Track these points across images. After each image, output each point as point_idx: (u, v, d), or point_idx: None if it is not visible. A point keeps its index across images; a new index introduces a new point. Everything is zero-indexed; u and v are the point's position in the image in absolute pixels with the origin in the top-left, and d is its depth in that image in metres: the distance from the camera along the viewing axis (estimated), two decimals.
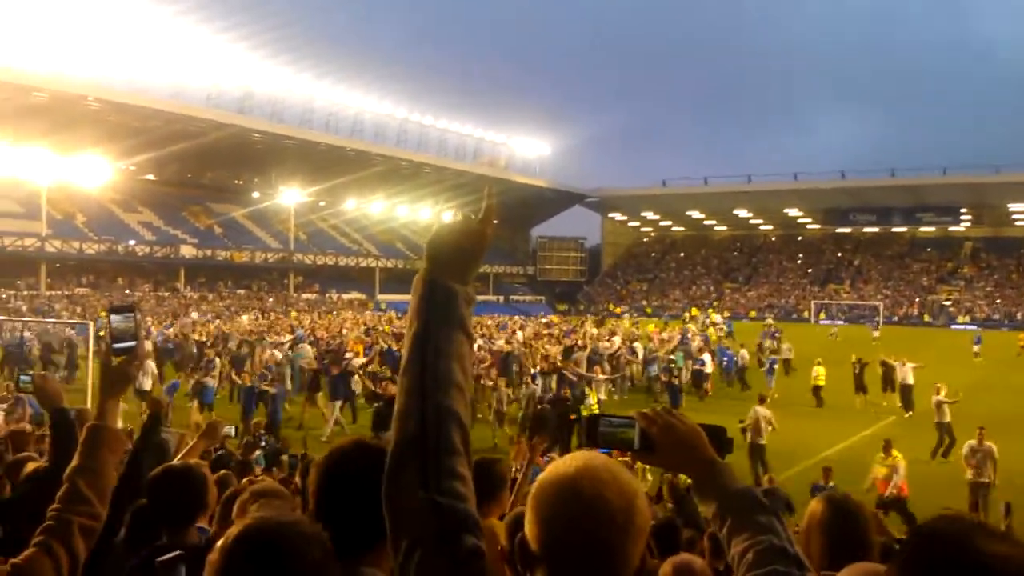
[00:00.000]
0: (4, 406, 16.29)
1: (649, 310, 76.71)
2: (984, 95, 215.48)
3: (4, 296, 50.35)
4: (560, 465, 1.58)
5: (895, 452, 14.83)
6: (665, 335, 38.57)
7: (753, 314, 76.78)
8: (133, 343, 2.69)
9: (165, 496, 3.55)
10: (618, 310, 78.67)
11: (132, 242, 62.58)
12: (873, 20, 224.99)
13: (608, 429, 1.85)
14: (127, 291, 58.69)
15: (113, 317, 2.70)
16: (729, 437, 1.93)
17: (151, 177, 70.32)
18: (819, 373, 27.70)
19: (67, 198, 59.70)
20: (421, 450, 1.57)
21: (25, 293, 52.76)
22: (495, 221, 1.82)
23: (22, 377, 3.95)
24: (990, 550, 1.29)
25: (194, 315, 47.79)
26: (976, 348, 42.73)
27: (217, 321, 44.28)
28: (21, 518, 2.67)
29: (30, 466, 4.93)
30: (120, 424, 2.78)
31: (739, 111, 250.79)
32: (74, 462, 2.61)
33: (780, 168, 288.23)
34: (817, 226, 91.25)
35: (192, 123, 58.71)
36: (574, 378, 23.78)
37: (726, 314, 69.34)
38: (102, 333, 33.44)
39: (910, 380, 25.59)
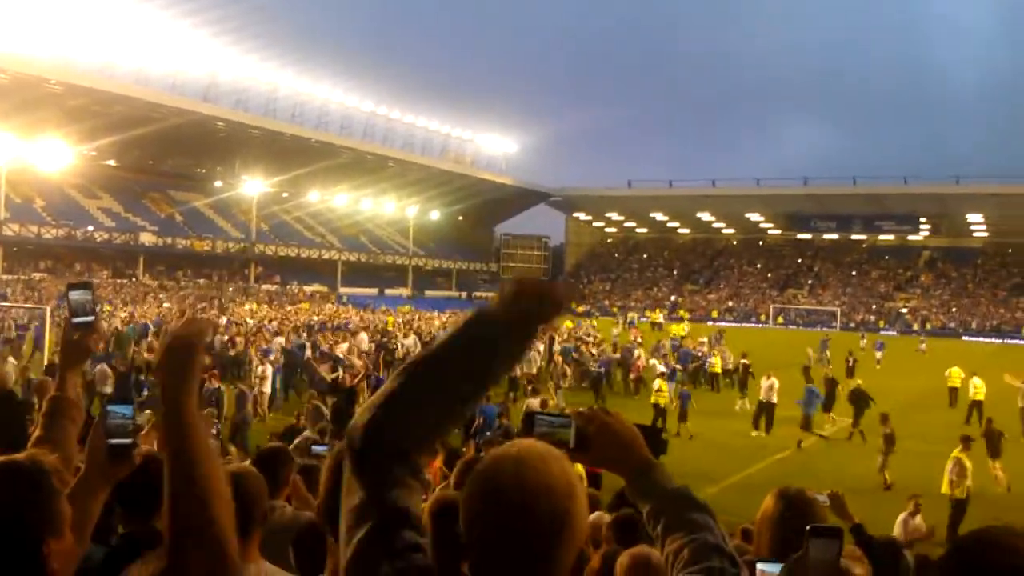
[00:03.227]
0: None
1: (615, 309, 76.86)
2: (941, 112, 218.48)
3: None
4: (496, 456, 1.55)
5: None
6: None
7: (716, 314, 77.56)
8: (91, 317, 2.72)
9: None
10: (580, 309, 78.89)
11: (91, 228, 61.72)
12: (837, 41, 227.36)
13: (545, 428, 1.81)
14: (85, 277, 57.86)
15: (71, 292, 2.73)
16: (664, 438, 1.95)
17: (112, 163, 69.34)
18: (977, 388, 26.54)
19: (26, 181, 58.77)
20: (371, 442, 1.56)
21: None
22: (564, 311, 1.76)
23: None
24: None
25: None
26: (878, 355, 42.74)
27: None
28: None
29: None
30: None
31: (706, 119, 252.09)
32: (36, 432, 2.63)
33: (744, 175, 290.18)
34: (778, 231, 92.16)
35: (155, 109, 57.99)
36: None
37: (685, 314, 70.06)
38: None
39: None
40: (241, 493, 3.36)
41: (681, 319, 65.01)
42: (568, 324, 43.81)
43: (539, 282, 1.65)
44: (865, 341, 46.01)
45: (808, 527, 1.86)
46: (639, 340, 38.11)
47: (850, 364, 33.81)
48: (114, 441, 2.44)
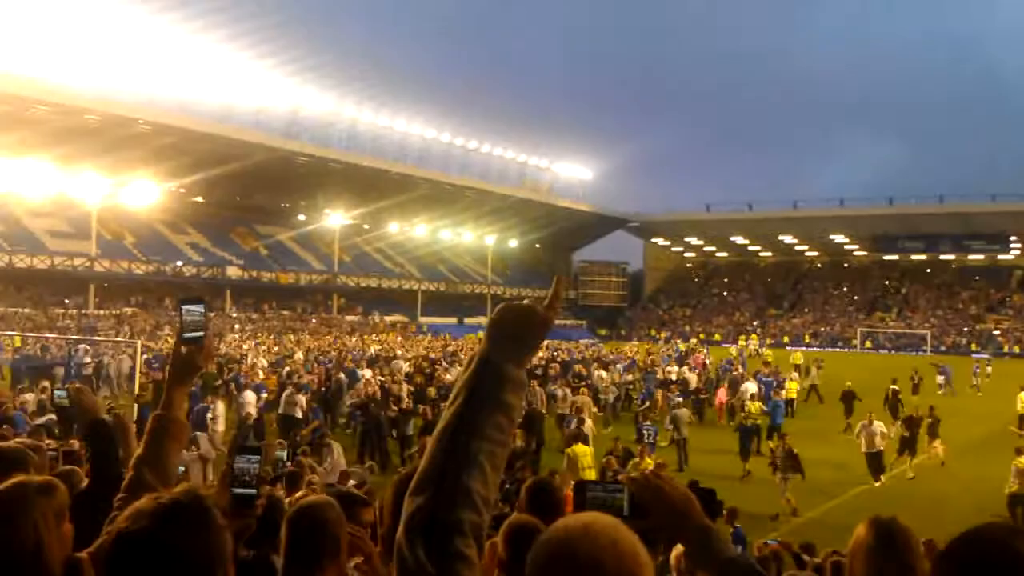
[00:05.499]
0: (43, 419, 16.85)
1: (702, 336, 75.84)
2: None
3: (53, 315, 51.18)
4: (561, 524, 1.54)
5: None
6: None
7: (787, 340, 75.95)
8: (201, 333, 2.76)
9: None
10: (661, 335, 78.20)
11: (179, 263, 63.43)
12: (911, 55, 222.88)
13: (597, 494, 1.81)
14: (173, 312, 59.34)
15: (184, 308, 2.78)
16: (720, 499, 1.90)
17: (199, 199, 71.34)
18: None
19: (116, 219, 60.73)
20: (429, 522, 1.56)
21: (73, 312, 53.61)
22: (560, 309, 1.82)
23: (56, 392, 4.00)
24: None
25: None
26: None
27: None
28: (85, 516, 2.69)
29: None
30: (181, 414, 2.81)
31: (782, 139, 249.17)
32: (139, 451, 2.70)
33: (823, 194, 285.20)
34: (864, 253, 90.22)
35: (240, 146, 59.48)
36: None
37: (769, 341, 68.94)
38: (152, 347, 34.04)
39: None
40: (313, 523, 3.36)
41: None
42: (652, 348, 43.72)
43: (520, 306, 1.76)
44: (980, 371, 43.07)
45: None
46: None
47: (915, 382, 34.37)
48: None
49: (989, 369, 43.18)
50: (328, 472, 14.74)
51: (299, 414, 22.49)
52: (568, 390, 27.38)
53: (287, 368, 30.25)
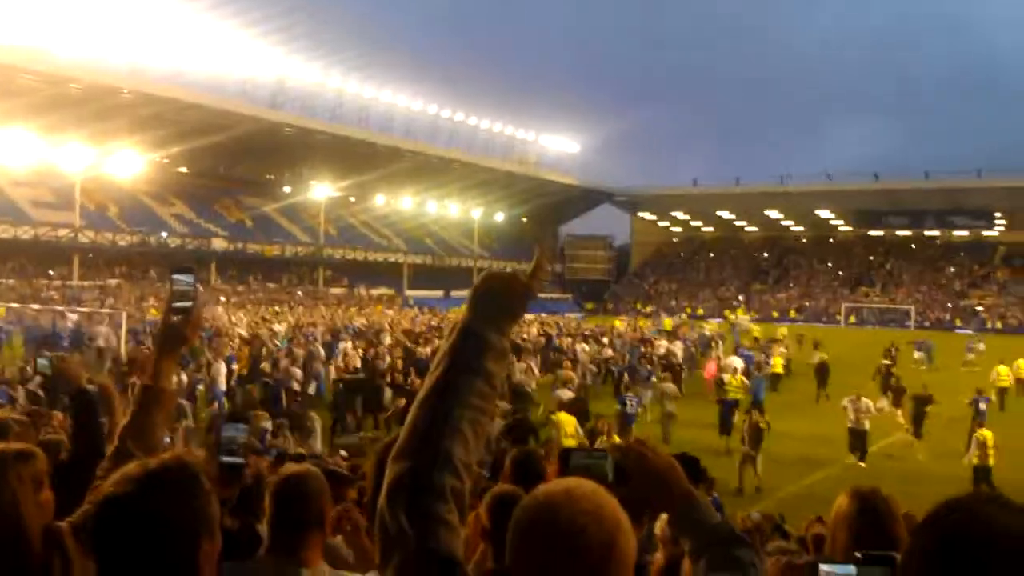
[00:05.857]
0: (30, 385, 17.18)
1: (688, 310, 75.96)
2: (1017, 102, 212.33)
3: (36, 286, 50.88)
4: (543, 489, 1.56)
5: None
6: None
7: (776, 314, 76.26)
8: (190, 303, 2.72)
9: None
10: (647, 309, 78.36)
11: (164, 234, 63.09)
12: (900, 31, 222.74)
13: (582, 462, 1.81)
14: (159, 283, 59.12)
15: (175, 277, 2.74)
16: (703, 467, 1.90)
17: (184, 170, 70.84)
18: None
19: (100, 189, 60.26)
20: (411, 488, 1.57)
21: (57, 283, 53.30)
22: (544, 279, 1.82)
23: (40, 361, 3.96)
24: (1002, 520, 1.30)
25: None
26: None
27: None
28: (66, 486, 2.67)
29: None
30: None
31: (771, 116, 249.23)
32: (125, 420, 2.65)
33: (811, 170, 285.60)
34: (849, 228, 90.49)
35: (225, 116, 59.08)
36: None
37: (753, 314, 69.22)
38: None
39: None
40: (297, 493, 3.38)
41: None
42: (642, 323, 43.97)
43: (503, 274, 1.77)
44: (974, 347, 42.85)
45: (857, 554, 1.79)
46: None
47: (892, 356, 33.92)
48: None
49: (982, 346, 42.14)
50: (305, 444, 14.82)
51: (296, 386, 22.60)
52: (533, 364, 27.37)
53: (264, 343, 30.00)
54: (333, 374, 25.58)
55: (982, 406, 21.11)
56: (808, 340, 39.09)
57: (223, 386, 22.34)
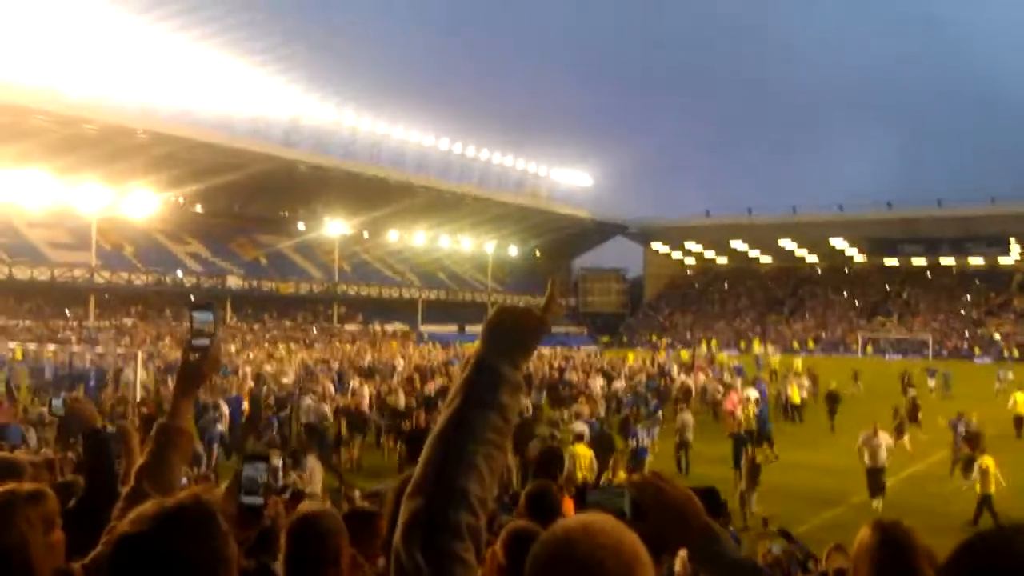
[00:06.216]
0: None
1: (704, 342, 75.68)
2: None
3: (53, 326, 51.15)
4: (560, 524, 1.53)
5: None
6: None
7: (797, 345, 75.83)
8: (206, 341, 2.65)
9: None
10: (663, 342, 78.11)
11: (180, 273, 63.44)
12: (907, 55, 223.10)
13: (599, 498, 1.80)
14: (174, 322, 59.39)
15: (194, 312, 2.68)
16: (723, 500, 1.87)
17: (199, 208, 71.40)
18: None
19: (116, 229, 60.75)
20: (426, 525, 1.55)
21: (74, 323, 53.58)
22: (557, 312, 1.85)
23: (53, 402, 3.94)
24: None
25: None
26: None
27: None
28: (79, 527, 2.64)
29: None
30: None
31: (781, 145, 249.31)
32: (141, 460, 2.61)
33: (824, 198, 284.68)
34: (864, 258, 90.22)
35: (239, 155, 59.64)
36: None
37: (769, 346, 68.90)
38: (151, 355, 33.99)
39: None
40: (314, 532, 3.34)
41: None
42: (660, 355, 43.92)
43: (516, 308, 1.78)
44: (1004, 376, 42.28)
45: None
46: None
47: (905, 384, 34.64)
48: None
49: (1011, 375, 41.16)
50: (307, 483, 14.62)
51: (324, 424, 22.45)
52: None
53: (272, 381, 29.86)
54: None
55: (960, 429, 21.11)
56: (858, 375, 39.58)
57: (222, 429, 21.66)
